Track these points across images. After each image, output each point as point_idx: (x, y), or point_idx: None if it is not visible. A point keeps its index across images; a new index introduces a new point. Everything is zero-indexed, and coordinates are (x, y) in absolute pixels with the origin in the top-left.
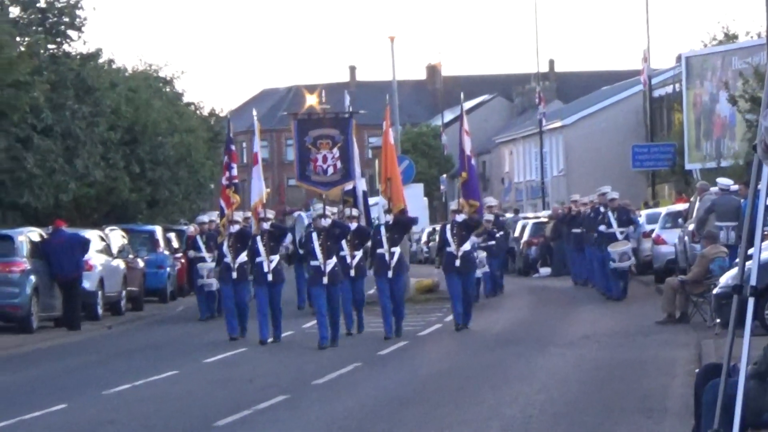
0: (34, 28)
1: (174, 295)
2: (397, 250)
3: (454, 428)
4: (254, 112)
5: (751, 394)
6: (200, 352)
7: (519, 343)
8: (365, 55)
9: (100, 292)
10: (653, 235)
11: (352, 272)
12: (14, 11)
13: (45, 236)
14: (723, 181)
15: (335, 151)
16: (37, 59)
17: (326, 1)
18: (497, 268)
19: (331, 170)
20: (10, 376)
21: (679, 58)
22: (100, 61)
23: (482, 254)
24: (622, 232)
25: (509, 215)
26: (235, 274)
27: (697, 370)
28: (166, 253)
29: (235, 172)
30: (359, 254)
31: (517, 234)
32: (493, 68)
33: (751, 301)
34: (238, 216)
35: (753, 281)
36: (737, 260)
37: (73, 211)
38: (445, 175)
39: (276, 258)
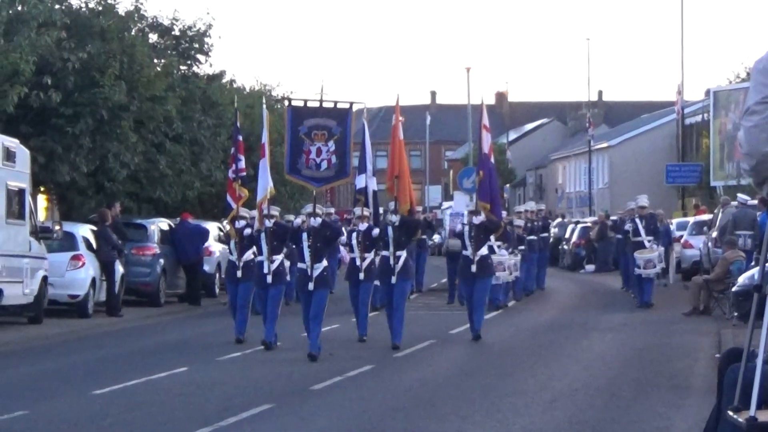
0: (169, 52)
1: None
2: (402, 253)
3: (511, 397)
4: (264, 106)
5: (766, 377)
6: (299, 328)
7: (567, 327)
8: (444, 82)
9: (217, 274)
10: (682, 240)
11: (361, 275)
12: (153, 38)
13: (173, 226)
14: (742, 196)
15: (331, 144)
16: (171, 78)
17: (413, 34)
18: (532, 268)
19: (324, 165)
20: (140, 342)
21: (708, 92)
22: (223, 81)
23: (512, 260)
24: (649, 240)
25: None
26: (239, 273)
27: (717, 355)
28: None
29: (242, 164)
30: (370, 256)
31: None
32: (551, 96)
33: None
34: (245, 212)
35: None
36: (753, 263)
37: (197, 206)
38: (508, 185)
39: (279, 258)
